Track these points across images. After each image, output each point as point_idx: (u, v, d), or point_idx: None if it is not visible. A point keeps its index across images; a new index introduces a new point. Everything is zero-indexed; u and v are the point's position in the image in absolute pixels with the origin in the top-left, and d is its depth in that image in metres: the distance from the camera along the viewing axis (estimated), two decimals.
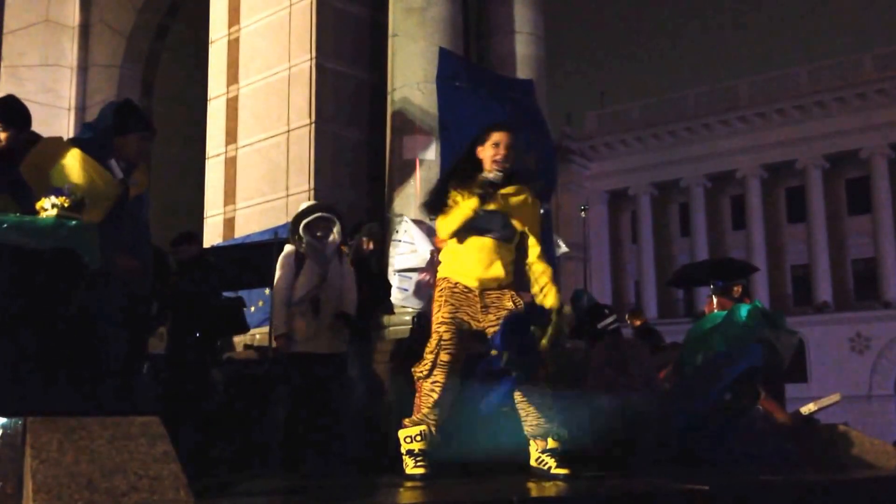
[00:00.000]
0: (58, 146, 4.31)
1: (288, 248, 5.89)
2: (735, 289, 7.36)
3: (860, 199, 34.67)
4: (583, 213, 8.36)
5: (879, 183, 33.69)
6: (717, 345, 6.59)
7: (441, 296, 4.28)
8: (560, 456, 4.16)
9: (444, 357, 4.14)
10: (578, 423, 4.89)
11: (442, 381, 4.15)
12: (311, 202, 5.99)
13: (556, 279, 4.48)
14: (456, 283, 4.26)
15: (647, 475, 4.76)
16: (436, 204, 4.36)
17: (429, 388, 4.18)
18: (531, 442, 4.24)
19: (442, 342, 4.16)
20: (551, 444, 4.17)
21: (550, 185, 8.46)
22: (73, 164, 4.11)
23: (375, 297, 6.62)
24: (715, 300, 7.65)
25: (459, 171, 4.39)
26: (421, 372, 4.20)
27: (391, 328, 7.89)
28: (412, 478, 4.06)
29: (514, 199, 4.31)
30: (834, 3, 59.70)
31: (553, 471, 4.10)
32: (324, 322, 5.61)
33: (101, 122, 4.51)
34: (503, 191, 4.26)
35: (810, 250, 34.62)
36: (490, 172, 4.26)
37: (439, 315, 4.23)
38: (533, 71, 9.58)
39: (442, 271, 4.37)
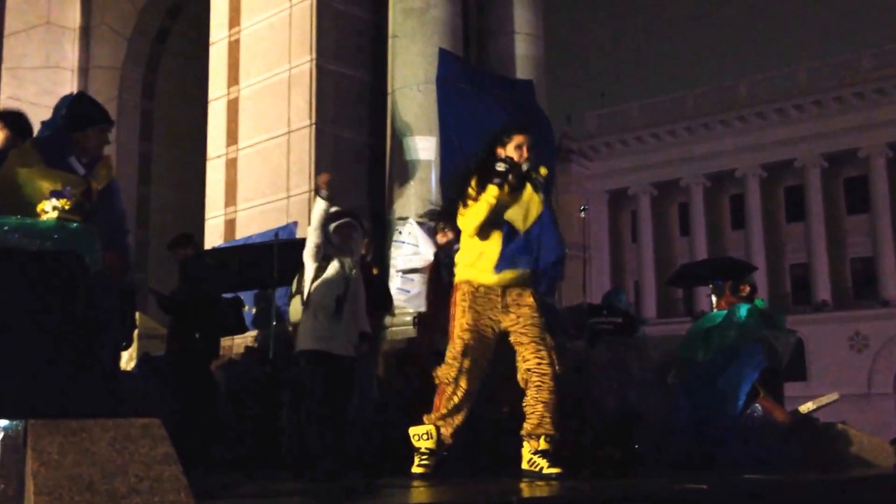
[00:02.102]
0: (17, 155, 4.12)
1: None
2: (743, 287, 7.37)
3: (859, 198, 34.68)
4: (583, 213, 8.35)
5: (878, 182, 33.71)
6: (717, 343, 6.61)
7: (464, 301, 4.26)
8: (552, 456, 4.15)
9: (467, 364, 4.19)
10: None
11: (465, 387, 4.21)
12: (336, 208, 5.94)
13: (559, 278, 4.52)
14: (478, 287, 4.25)
15: (647, 475, 4.78)
16: (453, 207, 4.40)
17: (451, 393, 4.23)
18: (525, 443, 4.25)
19: (467, 350, 4.19)
20: (543, 445, 4.18)
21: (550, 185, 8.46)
22: (27, 170, 3.96)
23: (375, 301, 6.61)
24: (715, 299, 7.67)
25: (481, 171, 4.39)
26: (446, 377, 4.24)
27: (392, 329, 7.90)
28: (413, 477, 4.08)
29: (527, 195, 4.35)
30: (833, 3, 59.71)
31: (545, 471, 4.09)
32: (342, 324, 5.62)
33: (57, 119, 4.33)
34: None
35: (809, 249, 34.63)
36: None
37: (463, 321, 4.24)
38: (532, 71, 9.58)
39: (461, 273, 4.35)
